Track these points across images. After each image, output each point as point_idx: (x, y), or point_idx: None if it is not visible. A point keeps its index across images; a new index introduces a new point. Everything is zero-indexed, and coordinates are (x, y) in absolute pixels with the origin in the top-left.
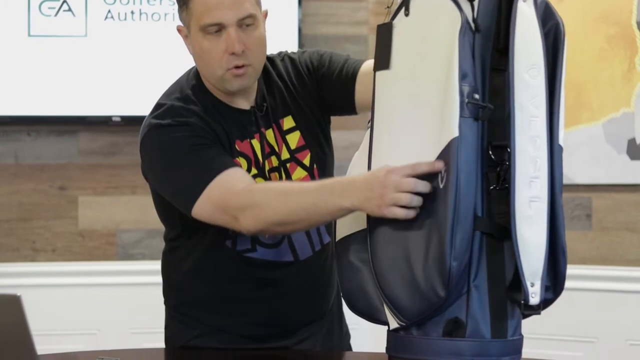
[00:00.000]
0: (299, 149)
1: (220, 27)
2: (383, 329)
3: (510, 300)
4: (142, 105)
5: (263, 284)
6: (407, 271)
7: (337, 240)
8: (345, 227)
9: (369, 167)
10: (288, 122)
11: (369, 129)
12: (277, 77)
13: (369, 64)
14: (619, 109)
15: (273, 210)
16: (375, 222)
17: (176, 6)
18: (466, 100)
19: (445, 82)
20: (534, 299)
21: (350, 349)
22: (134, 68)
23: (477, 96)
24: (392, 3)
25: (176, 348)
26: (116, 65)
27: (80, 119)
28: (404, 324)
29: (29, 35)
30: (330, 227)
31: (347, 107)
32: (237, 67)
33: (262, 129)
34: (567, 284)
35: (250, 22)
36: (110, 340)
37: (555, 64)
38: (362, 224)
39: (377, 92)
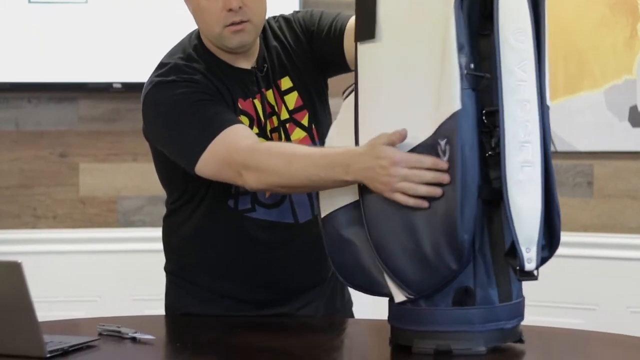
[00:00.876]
0: (297, 109)
1: None
2: (381, 298)
3: (512, 269)
4: (143, 71)
5: (264, 246)
6: (412, 246)
7: (323, 216)
8: (331, 203)
9: (357, 141)
10: (285, 83)
11: (354, 101)
12: (274, 37)
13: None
14: (621, 76)
15: (276, 173)
16: (369, 196)
17: None
18: (465, 71)
19: (440, 53)
20: (530, 264)
21: (352, 316)
22: (135, 34)
23: (472, 66)
24: None
25: (177, 315)
26: (117, 32)
27: (80, 86)
28: (412, 297)
29: (29, 1)
30: None
31: (340, 63)
32: (235, 23)
33: (263, 90)
34: (568, 251)
35: None
36: (111, 307)
37: (538, 24)
38: (348, 198)
39: (361, 62)
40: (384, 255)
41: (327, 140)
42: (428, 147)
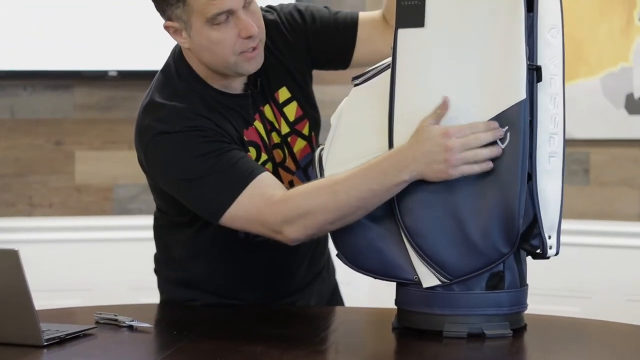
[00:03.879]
0: (298, 120)
1: (228, 14)
2: (379, 285)
3: (527, 252)
4: (139, 59)
5: (266, 242)
6: (456, 230)
7: None
8: None
9: (390, 127)
10: (283, 94)
11: (389, 88)
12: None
13: (366, 15)
14: (617, 64)
15: (324, 211)
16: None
17: None
18: (527, 62)
19: (501, 43)
20: (552, 250)
21: (336, 285)
22: (131, 22)
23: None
24: None
25: (174, 304)
26: (112, 20)
27: (76, 74)
28: (447, 282)
29: None
30: None
31: (342, 59)
32: (251, 49)
33: (260, 107)
34: (564, 239)
35: (250, 0)
36: (107, 296)
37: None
38: None
39: (402, 48)
40: (420, 240)
41: (339, 120)
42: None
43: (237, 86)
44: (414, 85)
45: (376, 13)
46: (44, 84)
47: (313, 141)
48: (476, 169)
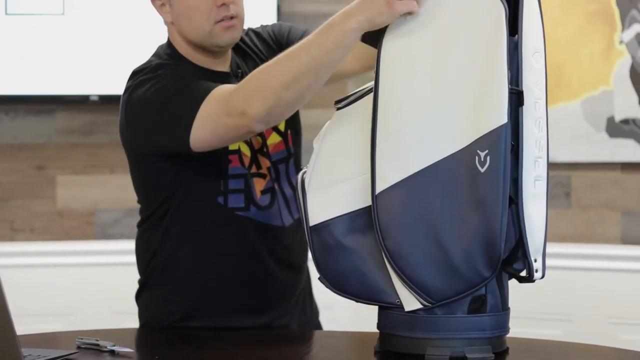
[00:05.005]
0: None
1: None
2: (361, 309)
3: (511, 275)
4: (120, 84)
5: (254, 247)
6: (438, 254)
7: (313, 224)
8: (324, 211)
9: (373, 145)
10: None
11: (372, 108)
12: (247, 47)
13: None
14: (598, 87)
15: (277, 74)
16: (387, 204)
17: None
18: (509, 86)
19: (483, 66)
20: (538, 273)
21: (320, 325)
22: (112, 46)
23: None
24: None
25: (155, 328)
26: (94, 44)
27: (58, 98)
28: (429, 305)
29: (6, 13)
30: None
31: None
32: (227, 17)
33: None
34: (546, 262)
35: None
36: (90, 321)
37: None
38: (346, 208)
39: (385, 71)
40: (402, 263)
41: (321, 144)
42: (463, 157)
43: (220, 68)
44: (397, 108)
45: None
46: (26, 109)
47: (289, 140)
48: (411, 6)
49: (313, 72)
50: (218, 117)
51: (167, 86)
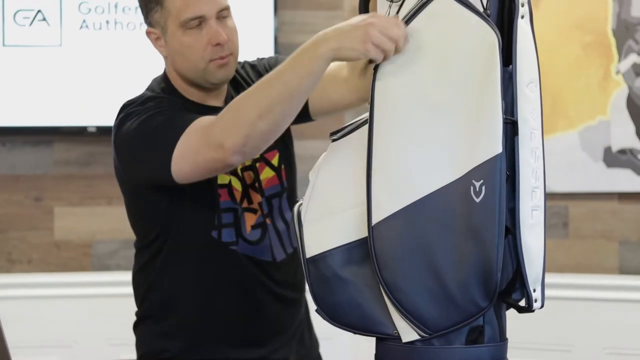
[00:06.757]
0: (268, 149)
1: (201, 21)
2: (359, 340)
3: (510, 306)
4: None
5: (247, 281)
6: (435, 284)
7: (310, 256)
8: (321, 243)
9: (369, 178)
10: None
11: (367, 140)
12: (242, 81)
13: None
14: (595, 117)
15: (252, 104)
16: (383, 235)
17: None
18: (504, 116)
19: (477, 95)
20: (537, 303)
21: (320, 357)
22: (109, 78)
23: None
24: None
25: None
26: (91, 75)
27: (55, 129)
28: (426, 336)
29: (4, 45)
30: None
31: (302, 112)
32: (222, 57)
33: None
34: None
35: (226, 13)
36: (87, 352)
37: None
38: (342, 239)
39: (380, 103)
40: (399, 294)
41: (317, 176)
42: (458, 187)
43: (213, 104)
44: (392, 139)
45: (331, 65)
46: (23, 140)
47: (283, 175)
48: (381, 57)
49: (286, 100)
50: (198, 149)
51: (150, 117)
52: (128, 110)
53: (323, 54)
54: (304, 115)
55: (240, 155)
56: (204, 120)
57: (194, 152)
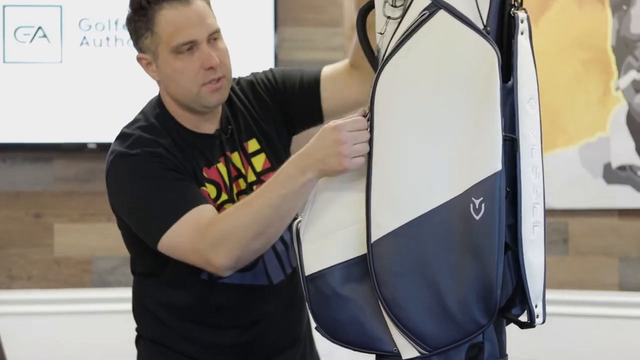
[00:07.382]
0: (265, 171)
1: (192, 45)
2: (359, 357)
3: (511, 321)
4: (117, 131)
5: (240, 309)
6: (434, 301)
7: (309, 273)
8: (320, 261)
9: (368, 197)
10: (253, 145)
11: (368, 155)
12: (238, 100)
13: (329, 69)
14: (595, 134)
15: (243, 227)
16: (383, 252)
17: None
18: (503, 133)
19: (479, 114)
20: (539, 319)
21: None
22: (110, 94)
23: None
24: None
25: None
26: (91, 92)
27: (55, 146)
28: (426, 354)
29: (4, 61)
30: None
31: (315, 116)
32: (214, 80)
33: (228, 152)
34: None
35: (217, 36)
36: None
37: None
38: (341, 256)
39: (379, 120)
40: (398, 311)
41: (315, 193)
42: (458, 204)
43: (207, 129)
44: (391, 156)
45: (341, 64)
46: (24, 156)
47: None
48: (362, 162)
49: (277, 221)
50: (188, 253)
51: (150, 176)
52: (122, 146)
53: (310, 177)
54: (317, 118)
55: (230, 270)
56: (204, 214)
57: (184, 253)
